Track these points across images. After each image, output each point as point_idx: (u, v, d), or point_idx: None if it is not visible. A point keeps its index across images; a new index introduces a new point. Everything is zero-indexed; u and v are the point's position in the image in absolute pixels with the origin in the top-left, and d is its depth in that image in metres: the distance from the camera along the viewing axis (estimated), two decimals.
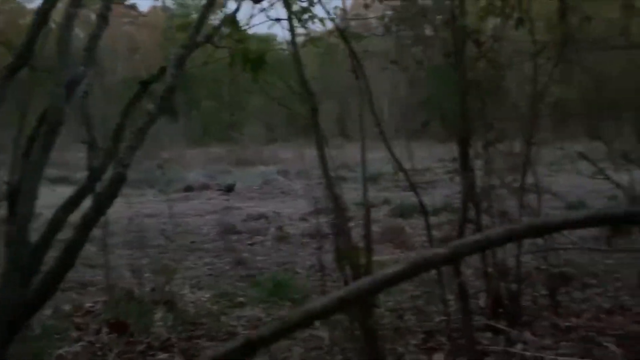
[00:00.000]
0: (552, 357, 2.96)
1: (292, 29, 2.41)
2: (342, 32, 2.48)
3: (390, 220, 8.01)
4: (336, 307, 1.11)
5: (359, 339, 2.32)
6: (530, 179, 4.34)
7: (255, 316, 4.02)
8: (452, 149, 4.18)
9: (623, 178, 4.93)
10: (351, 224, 7.92)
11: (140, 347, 3.30)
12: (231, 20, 2.13)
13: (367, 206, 2.85)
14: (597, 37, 4.24)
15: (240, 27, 2.21)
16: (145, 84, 2.11)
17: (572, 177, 10.06)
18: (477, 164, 4.20)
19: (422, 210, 3.58)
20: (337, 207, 2.43)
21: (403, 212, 8.05)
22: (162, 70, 2.09)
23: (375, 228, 7.61)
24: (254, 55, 2.24)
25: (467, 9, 3.76)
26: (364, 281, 1.14)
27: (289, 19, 2.42)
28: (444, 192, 8.55)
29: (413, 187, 3.35)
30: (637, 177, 5.25)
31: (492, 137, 3.99)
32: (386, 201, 9.13)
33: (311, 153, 4.32)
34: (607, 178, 3.73)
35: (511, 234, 1.02)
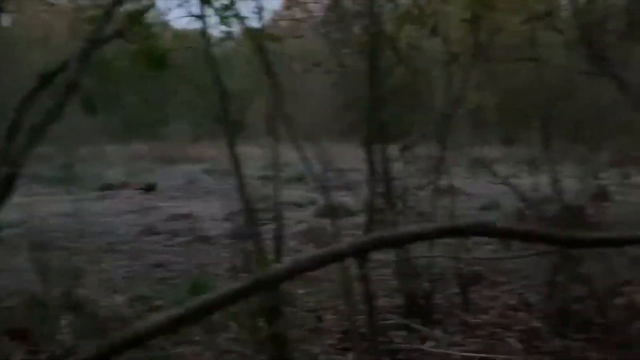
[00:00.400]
0: (459, 353, 3.08)
1: (205, 26, 2.36)
2: (250, 32, 2.46)
3: (315, 221, 8.06)
4: (231, 298, 1.10)
5: (266, 344, 2.31)
6: (446, 182, 4.53)
7: None
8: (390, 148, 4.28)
9: (530, 181, 5.23)
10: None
11: (43, 356, 3.11)
12: (135, 15, 2.05)
13: (278, 207, 2.85)
14: (508, 47, 4.49)
15: (145, 22, 2.14)
16: (44, 79, 1.99)
17: (491, 180, 10.58)
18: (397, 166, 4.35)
19: (331, 212, 3.66)
20: (248, 209, 2.41)
21: (329, 212, 8.10)
22: (65, 64, 1.98)
23: (299, 228, 7.64)
24: (158, 53, 2.17)
25: (385, 16, 3.87)
26: (260, 274, 1.13)
27: (203, 16, 2.37)
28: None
29: (322, 188, 3.39)
30: (544, 180, 5.60)
31: (410, 141, 4.13)
32: (313, 202, 9.18)
33: (239, 152, 4.27)
34: (504, 183, 3.94)
35: (361, 246, 1.02)
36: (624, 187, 8.47)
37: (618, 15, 3.83)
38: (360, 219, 6.57)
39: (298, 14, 5.65)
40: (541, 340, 3.23)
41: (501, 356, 2.98)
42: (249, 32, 2.50)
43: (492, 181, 4.09)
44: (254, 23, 2.62)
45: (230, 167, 2.42)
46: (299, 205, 9.16)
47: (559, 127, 5.60)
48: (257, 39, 2.42)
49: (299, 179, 10.84)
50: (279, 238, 2.69)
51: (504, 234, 1.59)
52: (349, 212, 7.43)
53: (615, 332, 2.83)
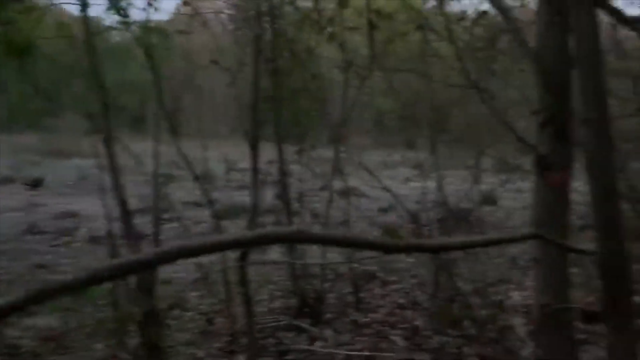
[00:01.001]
0: (344, 352, 3.16)
1: (86, 14, 2.22)
2: (130, 24, 2.36)
3: (215, 221, 7.88)
4: (87, 281, 1.03)
5: (141, 351, 2.22)
6: (345, 184, 4.64)
7: (49, 325, 3.65)
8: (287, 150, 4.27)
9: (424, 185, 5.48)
10: (174, 224, 7.59)
11: None
12: None
13: (156, 208, 2.75)
14: (402, 57, 4.67)
15: (5, 7, 1.97)
16: None
17: (389, 182, 11.00)
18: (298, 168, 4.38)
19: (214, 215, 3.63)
20: (123, 211, 2.30)
21: (230, 212, 8.00)
22: None
23: (197, 229, 7.44)
24: (21, 41, 2.01)
25: (285, 19, 3.88)
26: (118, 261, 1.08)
27: (85, 4, 2.23)
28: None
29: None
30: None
31: (307, 143, 4.18)
32: (214, 201, 8.97)
33: (137, 147, 4.08)
34: (384, 189, 4.12)
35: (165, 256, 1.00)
36: (507, 191, 9.13)
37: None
38: (263, 219, 6.58)
39: (200, 9, 5.50)
40: (423, 337, 3.39)
41: (382, 354, 3.08)
42: (128, 24, 2.38)
43: (375, 185, 4.20)
44: (142, 15, 2.51)
45: (108, 164, 2.29)
46: (198, 204, 8.93)
47: (449, 134, 5.95)
48: (144, 32, 2.32)
49: (203, 178, 10.59)
50: (155, 237, 2.60)
51: (324, 242, 1.62)
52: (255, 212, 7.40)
53: (486, 328, 3.03)
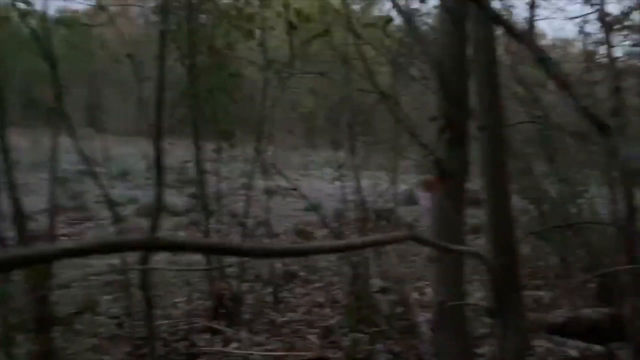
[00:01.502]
0: (258, 353, 3.15)
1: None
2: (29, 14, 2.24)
3: (135, 220, 7.64)
4: None
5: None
6: (269, 183, 4.63)
7: None
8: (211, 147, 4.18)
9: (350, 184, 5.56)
10: (89, 224, 7.24)
11: None
12: None
13: (53, 208, 2.63)
14: (324, 57, 4.71)
15: None
16: None
17: (317, 181, 11.10)
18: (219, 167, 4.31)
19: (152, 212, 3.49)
20: (17, 213, 2.18)
21: (150, 211, 7.74)
22: None
23: (114, 229, 7.14)
24: None
25: (204, 15, 3.82)
26: None
27: None
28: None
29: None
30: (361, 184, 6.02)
31: (228, 142, 4.13)
32: (133, 200, 8.69)
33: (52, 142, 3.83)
34: (293, 189, 4.17)
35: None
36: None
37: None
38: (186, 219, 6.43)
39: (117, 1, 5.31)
40: (338, 335, 3.44)
41: (296, 353, 3.10)
42: (26, 14, 2.26)
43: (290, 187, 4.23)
44: (41, 5, 2.38)
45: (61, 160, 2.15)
46: (117, 203, 8.61)
47: (369, 135, 6.08)
48: (43, 22, 2.20)
49: (122, 175, 10.22)
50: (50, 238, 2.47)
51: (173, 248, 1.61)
52: (174, 212, 7.21)
53: (394, 325, 3.13)
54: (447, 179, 2.04)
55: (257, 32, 3.84)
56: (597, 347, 3.14)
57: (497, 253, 2.05)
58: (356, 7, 5.78)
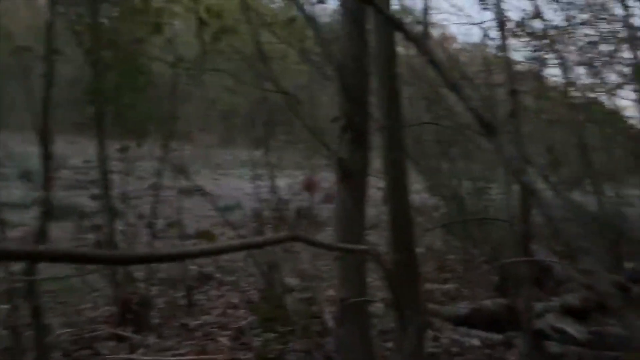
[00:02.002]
0: (167, 358, 3.06)
1: None
2: None
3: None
4: None
5: None
6: (181, 183, 4.49)
7: None
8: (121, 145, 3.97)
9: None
10: None
11: None
12: None
13: None
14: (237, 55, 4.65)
15: None
16: None
17: (237, 180, 10.96)
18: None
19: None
20: None
21: (55, 213, 7.30)
22: None
23: (16, 233, 6.70)
24: None
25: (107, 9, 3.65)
26: None
27: None
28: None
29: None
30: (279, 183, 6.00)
31: (135, 141, 3.96)
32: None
33: None
34: (198, 190, 4.11)
35: None
36: None
37: None
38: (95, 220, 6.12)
39: None
40: (249, 336, 3.41)
41: (206, 357, 3.04)
42: None
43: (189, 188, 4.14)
44: None
45: None
46: (20, 205, 8.07)
47: (286, 133, 6.09)
48: None
49: (25, 176, 9.57)
50: None
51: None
52: (83, 214, 6.83)
53: (308, 322, 3.14)
54: (349, 177, 2.06)
55: (167, 28, 3.71)
56: (497, 336, 3.31)
57: (396, 249, 2.11)
58: (273, 5, 5.76)
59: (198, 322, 3.91)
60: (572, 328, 3.20)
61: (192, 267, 5.07)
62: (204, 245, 2.16)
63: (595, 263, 2.03)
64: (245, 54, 3.43)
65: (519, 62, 5.12)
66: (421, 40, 2.07)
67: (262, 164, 5.16)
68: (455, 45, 7.64)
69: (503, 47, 3.50)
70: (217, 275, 5.26)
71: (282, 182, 6.40)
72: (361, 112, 2.08)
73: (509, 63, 3.20)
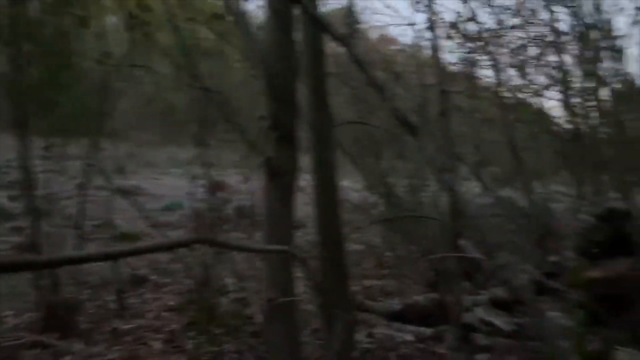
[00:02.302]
0: None
1: None
2: None
3: None
4: None
5: None
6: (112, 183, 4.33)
7: None
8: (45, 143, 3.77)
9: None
10: None
11: None
12: None
13: None
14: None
15: None
16: None
17: (177, 180, 10.70)
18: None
19: None
20: None
21: None
22: None
23: None
24: None
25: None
26: None
27: None
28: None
29: None
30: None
31: (61, 139, 3.80)
32: None
33: None
34: (119, 190, 4.00)
35: None
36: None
37: None
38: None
39: None
40: (182, 339, 3.33)
41: None
42: None
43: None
44: None
45: None
46: None
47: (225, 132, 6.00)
48: None
49: None
50: None
51: None
52: (3, 215, 6.50)
53: (241, 323, 3.11)
54: (277, 177, 2.05)
55: (96, 22, 3.57)
56: (429, 331, 3.39)
57: (325, 248, 2.11)
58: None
59: (130, 326, 3.79)
60: (499, 320, 3.32)
61: (126, 269, 4.90)
62: (108, 249, 2.09)
63: (510, 258, 2.11)
64: (172, 50, 3.33)
65: (452, 63, 5.27)
66: (346, 40, 2.08)
67: (200, 162, 5.05)
68: (394, 47, 7.76)
69: (435, 48, 3.58)
70: (153, 277, 5.11)
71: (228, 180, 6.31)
72: (289, 111, 2.07)
73: (440, 64, 3.27)
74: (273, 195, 2.02)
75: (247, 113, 4.08)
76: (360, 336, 3.56)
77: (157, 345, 3.30)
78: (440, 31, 4.52)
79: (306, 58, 2.07)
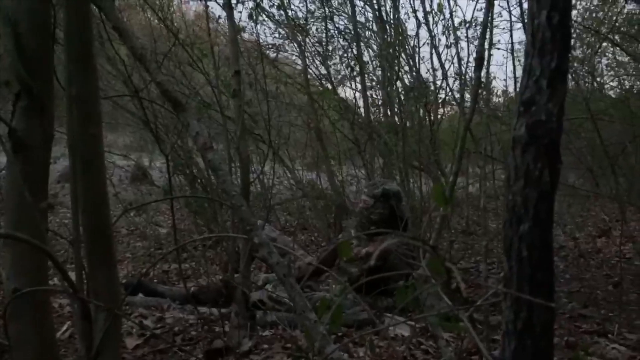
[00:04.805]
0: None
1: None
2: None
3: None
4: None
5: None
6: None
7: None
8: None
9: None
10: None
11: None
12: None
13: None
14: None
15: None
16: None
17: None
18: None
19: None
20: None
21: None
22: None
23: None
24: None
25: None
26: None
27: None
28: None
29: None
30: None
31: None
32: None
33: None
34: None
35: None
36: None
37: None
38: None
39: None
40: None
41: None
42: None
43: None
44: None
45: None
46: None
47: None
48: None
49: None
50: None
51: None
52: None
53: None
54: (23, 151, 1.82)
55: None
56: (218, 311, 3.40)
57: (88, 232, 1.95)
58: None
59: None
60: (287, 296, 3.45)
61: None
62: None
63: (260, 235, 2.16)
64: None
65: (259, 46, 5.31)
66: (107, 6, 1.93)
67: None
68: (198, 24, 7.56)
69: (231, 28, 3.55)
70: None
71: None
72: (41, 78, 1.85)
73: (234, 43, 3.26)
74: (17, 171, 1.80)
75: None
76: (149, 322, 3.43)
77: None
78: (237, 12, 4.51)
79: (66, 18, 1.86)
